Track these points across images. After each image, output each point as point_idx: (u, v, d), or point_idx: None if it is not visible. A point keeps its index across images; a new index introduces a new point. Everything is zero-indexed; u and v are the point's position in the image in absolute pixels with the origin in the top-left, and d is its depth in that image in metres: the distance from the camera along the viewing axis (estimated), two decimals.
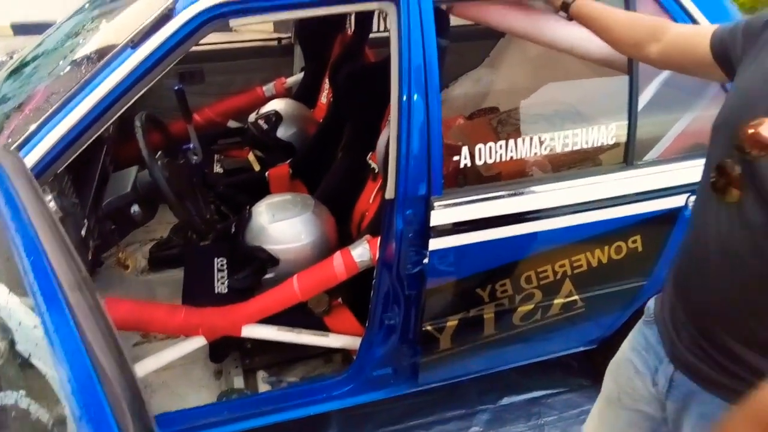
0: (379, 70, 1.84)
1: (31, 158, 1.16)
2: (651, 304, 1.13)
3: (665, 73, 1.53)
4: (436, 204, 1.40)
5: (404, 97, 1.35)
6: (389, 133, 1.42)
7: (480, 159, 1.46)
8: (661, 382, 1.04)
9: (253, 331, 1.60)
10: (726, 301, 0.90)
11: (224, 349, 1.72)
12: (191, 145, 2.03)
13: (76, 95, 1.18)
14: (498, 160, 1.47)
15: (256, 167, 2.44)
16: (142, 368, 1.58)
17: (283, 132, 2.38)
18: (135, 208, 1.53)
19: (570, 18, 1.33)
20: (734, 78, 0.95)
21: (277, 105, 2.43)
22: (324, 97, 2.56)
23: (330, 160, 2.34)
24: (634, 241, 1.61)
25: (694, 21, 1.50)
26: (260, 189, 2.29)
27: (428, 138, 1.36)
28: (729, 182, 0.85)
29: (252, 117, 2.44)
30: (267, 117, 2.36)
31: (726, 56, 0.99)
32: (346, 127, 2.11)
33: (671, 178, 1.57)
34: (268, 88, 2.62)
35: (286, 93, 2.64)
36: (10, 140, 1.22)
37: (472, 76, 2.73)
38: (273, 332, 1.62)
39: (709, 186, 0.89)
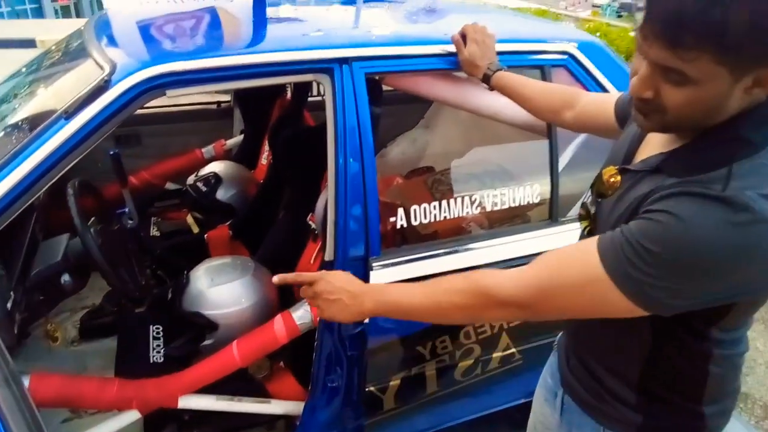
0: (316, 134, 1.90)
1: None
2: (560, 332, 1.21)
3: (581, 137, 1.67)
4: (374, 264, 1.43)
5: (341, 162, 1.40)
6: (327, 195, 1.46)
7: (416, 219, 1.52)
8: (558, 405, 1.12)
9: (191, 402, 1.54)
10: (590, 330, 1.00)
11: (160, 422, 1.64)
12: (126, 209, 2.00)
13: (6, 165, 1.15)
14: (433, 219, 1.53)
15: (195, 229, 2.41)
16: None
17: (222, 194, 2.38)
18: (65, 278, 1.48)
19: (491, 88, 1.45)
20: None
21: (216, 167, 2.44)
22: (264, 159, 2.59)
23: (271, 221, 2.35)
24: None
25: (603, 90, 1.66)
26: (199, 252, 2.26)
27: (365, 200, 1.41)
28: (585, 218, 0.97)
29: (191, 179, 2.43)
30: (206, 179, 2.36)
31: (625, 121, 1.11)
32: (286, 189, 2.14)
33: None
34: (207, 150, 2.63)
35: (225, 155, 2.65)
36: None
37: (408, 136, 2.85)
38: (212, 402, 1.56)
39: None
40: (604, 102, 1.19)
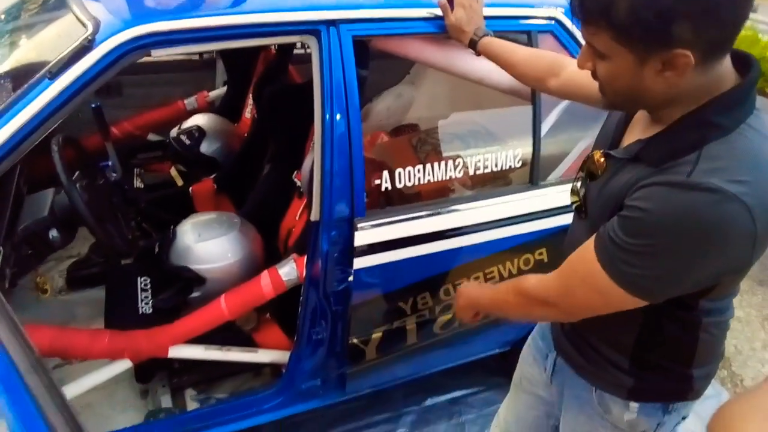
0: (302, 91, 1.90)
1: None
2: None
3: (564, 103, 1.69)
4: (359, 225, 1.48)
5: (327, 124, 1.42)
6: (313, 157, 1.49)
7: (400, 182, 1.55)
8: (549, 366, 1.21)
9: (181, 352, 1.61)
10: None
11: (151, 370, 1.72)
12: (109, 162, 2.00)
13: None
14: (417, 183, 1.57)
15: (179, 182, 2.41)
16: (66, 393, 1.55)
17: (206, 147, 2.38)
18: (53, 233, 1.50)
19: (478, 54, 1.46)
20: None
21: (199, 120, 2.42)
22: (248, 112, 2.57)
23: (255, 175, 2.37)
24: (540, 253, 1.77)
25: None
26: (184, 205, 2.28)
27: (350, 163, 1.44)
28: (576, 200, 1.02)
29: (174, 132, 2.41)
30: (189, 132, 2.35)
31: None
32: (271, 144, 2.14)
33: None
34: (190, 102, 2.60)
35: (208, 107, 2.62)
36: None
37: (393, 91, 2.83)
38: (201, 352, 1.64)
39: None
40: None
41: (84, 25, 1.24)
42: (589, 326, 1.05)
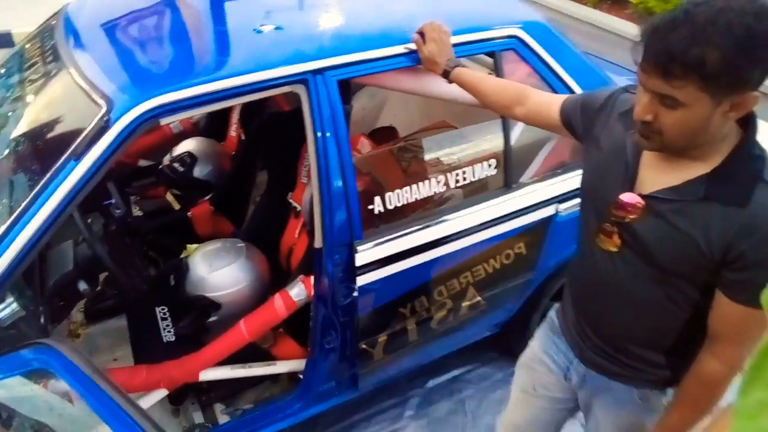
0: (289, 118, 2.05)
1: None
2: (553, 315, 1.44)
3: None
4: (358, 248, 1.65)
5: (321, 159, 1.57)
6: (311, 190, 1.64)
7: (391, 204, 1.72)
8: (574, 378, 1.36)
9: (210, 374, 1.79)
10: (622, 318, 1.19)
11: (183, 392, 1.89)
12: (113, 200, 2.12)
13: (29, 209, 1.28)
14: (406, 202, 1.74)
15: (176, 206, 2.53)
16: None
17: (199, 171, 2.50)
18: (82, 285, 1.64)
19: (450, 82, 1.61)
20: (584, 143, 1.26)
21: (189, 145, 2.53)
22: (233, 131, 2.69)
23: (248, 194, 2.51)
24: (519, 248, 1.98)
25: (550, 69, 1.84)
26: (185, 229, 2.42)
27: (346, 194, 1.60)
28: (609, 238, 1.12)
29: (166, 160, 2.52)
30: (181, 159, 2.46)
31: (570, 125, 1.31)
32: (265, 169, 2.28)
33: (542, 193, 1.94)
34: (176, 125, 2.69)
35: (193, 128, 2.72)
36: None
37: (366, 91, 2.96)
38: (227, 371, 1.82)
39: (593, 238, 1.16)
40: (550, 104, 1.36)
41: (97, 103, 1.36)
42: (625, 336, 1.19)
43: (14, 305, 1.34)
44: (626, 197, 1.07)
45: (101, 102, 1.35)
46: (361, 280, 1.69)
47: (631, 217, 1.07)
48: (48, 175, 1.31)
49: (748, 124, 1.00)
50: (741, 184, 0.97)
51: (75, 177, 1.30)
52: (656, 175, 1.06)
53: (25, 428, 1.24)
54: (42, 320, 1.48)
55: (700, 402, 1.13)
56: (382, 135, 2.55)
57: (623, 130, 1.13)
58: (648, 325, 1.16)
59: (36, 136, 1.57)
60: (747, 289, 0.99)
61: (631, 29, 1.32)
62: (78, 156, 1.31)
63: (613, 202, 1.09)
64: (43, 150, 1.49)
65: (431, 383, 2.44)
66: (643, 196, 1.06)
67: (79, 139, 1.32)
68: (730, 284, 1.01)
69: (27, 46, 1.97)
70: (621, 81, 2.20)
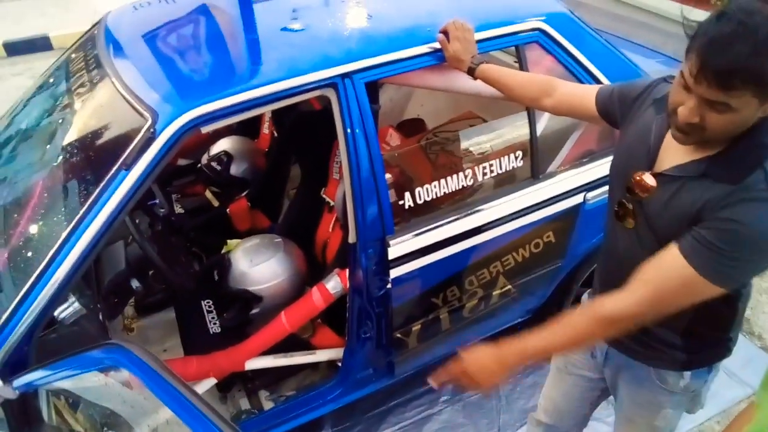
0: (319, 116, 2.12)
1: (58, 275, 1.38)
2: (585, 298, 1.52)
3: None
4: (390, 242, 1.72)
5: (353, 159, 1.64)
6: (344, 188, 1.72)
7: (420, 199, 1.78)
8: (599, 355, 1.43)
9: (255, 364, 1.90)
10: None
11: (230, 380, 2.01)
12: (157, 201, 2.25)
13: (86, 216, 1.39)
14: (435, 196, 1.80)
15: (215, 203, 2.65)
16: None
17: (235, 169, 2.60)
18: (135, 283, 1.76)
19: (475, 79, 1.66)
20: (621, 129, 1.29)
21: (225, 144, 2.63)
22: (266, 128, 2.78)
23: (282, 189, 2.61)
24: (548, 236, 2.01)
25: (575, 60, 1.86)
26: (224, 225, 2.53)
27: (377, 194, 1.67)
28: (626, 214, 1.18)
29: (204, 159, 2.64)
30: (219, 158, 2.57)
31: (607, 114, 1.34)
32: (298, 165, 2.36)
33: (570, 183, 1.97)
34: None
35: (227, 127, 2.81)
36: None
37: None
38: (271, 361, 1.93)
39: (614, 215, 1.22)
40: (584, 95, 1.40)
41: (142, 115, 1.46)
42: None
43: (76, 304, 1.46)
44: (642, 176, 1.13)
45: (146, 113, 1.44)
46: (394, 273, 1.76)
47: (645, 194, 1.13)
48: (102, 184, 1.41)
49: None
50: (741, 167, 1.01)
51: (126, 186, 1.41)
52: (671, 156, 1.11)
53: (91, 412, 1.37)
54: (100, 317, 1.61)
55: (569, 327, 1.11)
56: (410, 126, 2.61)
57: (653, 115, 1.18)
58: None
59: (85, 145, 1.67)
60: (695, 244, 1.01)
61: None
62: (128, 166, 1.41)
63: (632, 181, 1.15)
64: (94, 160, 1.60)
65: None
66: (655, 175, 1.12)
67: (128, 150, 1.42)
68: (685, 234, 1.04)
69: (72, 56, 2.09)
70: (647, 64, 2.20)
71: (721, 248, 0.99)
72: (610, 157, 1.31)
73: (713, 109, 0.95)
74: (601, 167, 1.98)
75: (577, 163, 1.99)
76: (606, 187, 1.99)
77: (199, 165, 2.69)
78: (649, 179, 1.12)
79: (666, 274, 1.05)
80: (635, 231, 1.18)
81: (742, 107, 0.93)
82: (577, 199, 1.99)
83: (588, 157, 2.00)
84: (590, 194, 2.01)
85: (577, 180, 1.98)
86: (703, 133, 1.00)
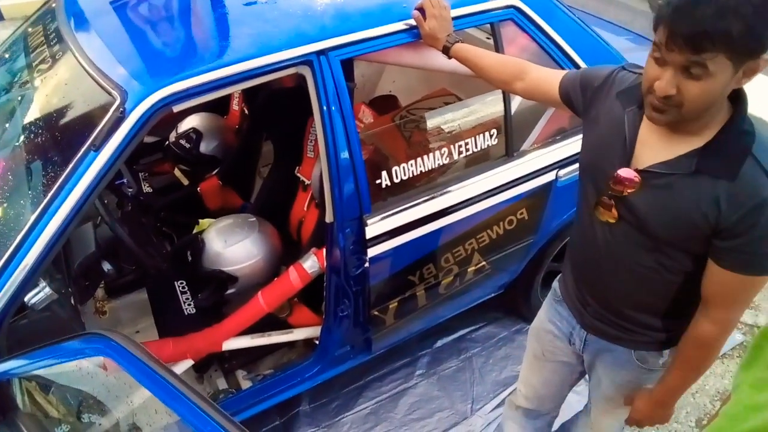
0: (295, 94, 2.08)
1: (28, 260, 1.34)
2: (556, 285, 1.52)
3: None
4: (368, 221, 1.72)
5: (329, 137, 1.62)
6: (321, 167, 1.70)
7: (397, 178, 1.78)
8: (577, 342, 1.46)
9: (233, 344, 1.89)
10: (620, 285, 1.26)
11: (207, 361, 2.00)
12: (124, 180, 2.19)
13: (54, 200, 1.34)
14: (411, 175, 1.80)
15: (185, 181, 2.60)
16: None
17: (205, 147, 2.54)
18: (107, 265, 1.72)
19: (450, 57, 1.65)
20: (583, 119, 1.30)
21: (194, 121, 2.57)
22: (236, 105, 2.72)
23: (254, 166, 2.57)
24: (522, 213, 2.05)
25: (549, 38, 1.87)
26: (195, 203, 2.49)
27: (354, 173, 1.66)
28: (608, 210, 1.19)
29: (172, 137, 2.56)
30: (187, 135, 2.51)
31: (569, 101, 1.35)
32: (272, 146, 2.33)
33: (543, 160, 2.00)
34: None
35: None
36: None
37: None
38: (248, 341, 1.92)
39: (592, 210, 1.23)
40: (550, 79, 1.40)
41: (111, 94, 1.40)
42: (623, 301, 1.27)
43: (47, 289, 1.42)
44: (623, 172, 1.13)
45: (115, 92, 1.39)
46: (372, 252, 1.77)
47: (629, 191, 1.14)
48: (70, 166, 1.36)
49: (738, 100, 1.05)
50: (730, 158, 1.03)
51: (96, 168, 1.36)
52: (652, 151, 1.12)
53: (64, 394, 1.35)
54: (72, 301, 1.57)
55: (696, 361, 1.23)
56: (383, 103, 2.59)
57: (622, 108, 1.18)
58: (644, 291, 1.24)
59: (51, 125, 1.61)
60: (735, 258, 1.06)
61: None
62: (98, 147, 1.36)
63: (611, 177, 1.15)
64: (61, 140, 1.54)
65: (439, 343, 2.55)
66: (638, 171, 1.12)
67: (97, 131, 1.37)
68: (720, 253, 1.08)
69: (29, 29, 1.99)
70: (617, 41, 2.23)
71: (764, 248, 1.04)
72: (582, 135, 1.32)
73: (690, 77, 0.96)
74: (573, 145, 2.01)
75: (550, 141, 2.01)
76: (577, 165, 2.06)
77: (167, 143, 2.62)
78: (631, 175, 1.12)
79: (739, 295, 1.13)
80: (618, 226, 1.19)
81: (718, 71, 0.94)
82: (550, 176, 2.03)
83: (560, 135, 2.03)
84: (562, 171, 2.04)
85: (550, 158, 2.00)
86: (680, 110, 1.00)
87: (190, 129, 2.53)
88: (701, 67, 0.94)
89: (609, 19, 2.86)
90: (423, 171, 1.82)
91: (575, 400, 2.11)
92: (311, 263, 1.88)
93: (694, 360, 1.23)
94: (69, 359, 1.13)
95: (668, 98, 1.00)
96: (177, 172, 2.62)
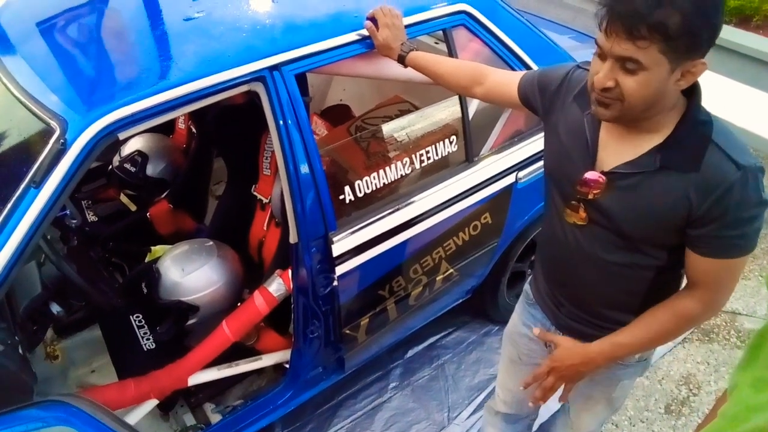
0: (244, 111, 2.00)
1: None
2: (528, 288, 1.51)
3: None
4: (334, 239, 1.67)
5: (289, 158, 1.55)
6: (281, 186, 1.63)
7: (360, 192, 1.74)
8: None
9: (199, 378, 1.79)
10: (592, 284, 1.26)
11: (172, 398, 1.89)
12: (67, 211, 2.05)
13: None
14: (375, 188, 1.76)
15: (132, 207, 2.46)
16: None
17: (152, 169, 2.42)
18: (56, 307, 1.59)
19: (406, 66, 1.62)
20: (544, 123, 1.30)
21: (138, 143, 2.43)
22: (181, 123, 2.60)
23: (206, 186, 2.46)
24: (485, 218, 2.04)
25: (500, 42, 1.87)
26: (145, 230, 2.36)
27: (316, 189, 1.60)
28: (576, 213, 1.18)
29: (116, 161, 2.42)
30: (132, 159, 2.38)
31: (528, 103, 1.35)
32: (225, 165, 2.23)
33: (502, 164, 2.00)
34: None
35: None
36: None
37: None
38: (215, 373, 1.83)
39: (560, 213, 1.23)
40: (509, 82, 1.39)
41: (48, 124, 1.29)
42: (597, 301, 1.27)
43: None
44: (589, 175, 1.14)
45: (53, 122, 1.29)
46: (340, 269, 1.71)
47: (595, 192, 1.14)
48: (8, 206, 1.25)
49: (692, 92, 1.07)
50: (692, 149, 1.04)
51: (38, 206, 1.25)
52: (614, 152, 1.12)
53: None
54: (20, 350, 1.44)
55: (663, 326, 1.18)
56: (336, 114, 2.53)
57: (580, 112, 1.18)
58: (618, 289, 1.24)
59: None
60: (711, 244, 1.07)
61: None
62: (38, 184, 1.25)
63: (577, 181, 1.15)
64: None
65: (410, 353, 2.52)
66: (604, 173, 1.13)
67: (36, 165, 1.25)
68: (697, 241, 1.09)
69: None
70: (561, 40, 2.26)
71: (748, 230, 1.05)
72: (538, 136, 1.32)
73: (625, 70, 0.97)
74: (530, 146, 2.03)
75: (508, 144, 2.02)
76: (536, 165, 2.07)
77: (110, 167, 2.48)
78: (597, 177, 1.12)
79: (730, 276, 1.12)
80: (587, 228, 1.19)
81: (652, 66, 0.95)
82: (510, 179, 2.03)
83: (518, 137, 2.04)
84: (521, 173, 2.05)
85: (509, 160, 2.01)
86: (622, 104, 1.01)
87: (134, 152, 2.40)
88: (635, 63, 0.95)
89: (551, 19, 2.91)
90: (386, 183, 1.79)
91: (553, 401, 2.12)
92: (277, 286, 1.80)
93: (662, 324, 1.18)
94: (27, 429, 1.02)
95: (608, 90, 1.00)
96: (123, 198, 2.48)
